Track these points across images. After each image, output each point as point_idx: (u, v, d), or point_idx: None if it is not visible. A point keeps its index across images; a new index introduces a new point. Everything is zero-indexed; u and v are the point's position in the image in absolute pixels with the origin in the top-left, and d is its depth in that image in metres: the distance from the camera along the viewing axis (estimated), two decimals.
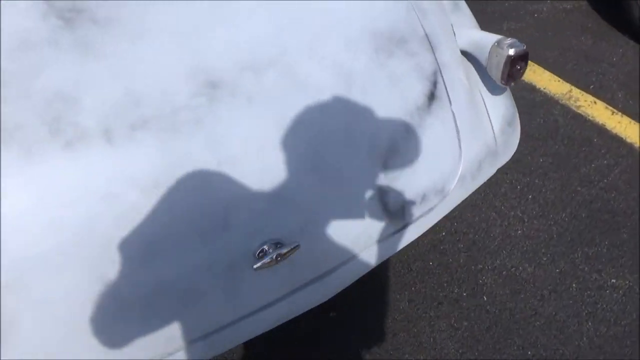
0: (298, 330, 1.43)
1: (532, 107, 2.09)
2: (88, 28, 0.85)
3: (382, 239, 1.08)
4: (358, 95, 1.00)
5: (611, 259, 1.61)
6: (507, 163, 1.29)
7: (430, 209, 1.14)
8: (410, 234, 1.14)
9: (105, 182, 0.79)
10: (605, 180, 1.81)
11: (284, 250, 0.89)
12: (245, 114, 0.90)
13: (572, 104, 2.10)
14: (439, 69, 1.11)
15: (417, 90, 1.07)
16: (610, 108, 2.06)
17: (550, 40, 2.43)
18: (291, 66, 0.95)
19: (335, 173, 0.97)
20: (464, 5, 1.36)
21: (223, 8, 0.95)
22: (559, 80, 2.21)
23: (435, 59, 1.11)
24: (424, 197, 1.10)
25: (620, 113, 2.04)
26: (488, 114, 1.24)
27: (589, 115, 2.04)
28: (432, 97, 1.09)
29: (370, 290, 1.54)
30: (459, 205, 1.20)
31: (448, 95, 1.12)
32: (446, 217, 1.23)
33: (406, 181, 1.07)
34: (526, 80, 2.22)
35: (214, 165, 0.86)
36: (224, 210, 0.87)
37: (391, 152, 1.04)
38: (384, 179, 1.03)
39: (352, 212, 1.01)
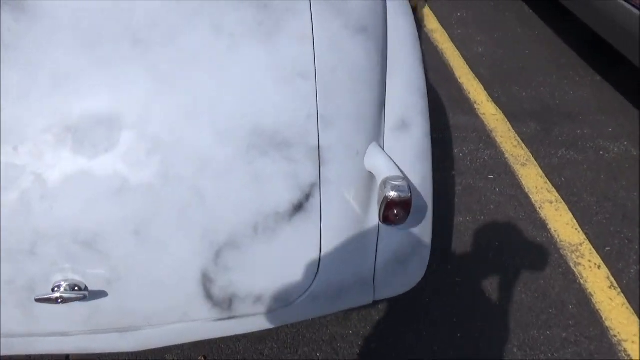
0: None
1: (530, 244, 1.92)
2: None
3: (202, 320, 1.10)
4: (206, 182, 1.03)
5: None
6: None
7: (269, 312, 1.13)
8: (239, 327, 1.15)
9: None
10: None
11: (67, 295, 0.96)
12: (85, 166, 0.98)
13: (572, 257, 1.88)
14: (320, 183, 1.10)
15: (283, 196, 1.08)
16: (612, 280, 1.82)
17: (596, 184, 2.20)
18: (145, 137, 1.01)
19: (158, 244, 1.02)
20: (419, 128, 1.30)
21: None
22: (576, 229, 2.00)
23: (319, 173, 1.10)
24: (259, 298, 1.11)
25: (619, 290, 1.80)
26: (377, 244, 1.19)
27: (581, 277, 1.82)
28: (299, 208, 1.09)
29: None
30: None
31: (320, 212, 1.11)
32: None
33: (240, 277, 1.08)
34: (542, 215, 2.03)
35: (37, 197, 0.96)
36: (33, 235, 0.96)
37: (229, 245, 1.06)
38: (212, 266, 1.06)
39: (168, 284, 1.05)
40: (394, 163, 1.14)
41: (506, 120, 2.57)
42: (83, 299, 0.99)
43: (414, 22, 1.52)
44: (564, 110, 2.67)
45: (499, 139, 2.44)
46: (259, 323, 1.16)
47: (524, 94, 2.79)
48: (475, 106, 2.66)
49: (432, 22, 3.49)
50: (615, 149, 2.41)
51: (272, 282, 1.11)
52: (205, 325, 1.12)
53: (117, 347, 1.11)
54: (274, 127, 1.08)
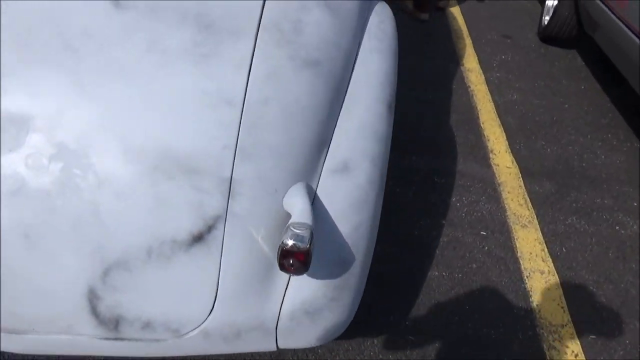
0: None
1: (504, 315, 1.75)
2: None
3: (88, 336, 1.07)
4: (105, 197, 1.00)
5: None
6: None
7: (158, 340, 1.09)
8: (126, 349, 1.11)
9: None
10: None
11: None
12: None
13: (549, 339, 1.70)
14: (226, 217, 1.05)
15: (183, 224, 1.03)
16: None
17: (600, 262, 2.00)
18: (51, 142, 1.00)
19: (47, 251, 1.00)
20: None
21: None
22: (563, 307, 1.81)
23: (227, 206, 1.05)
24: (147, 325, 1.07)
25: None
26: (285, 290, 1.12)
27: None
28: (199, 239, 1.04)
29: None
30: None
31: (222, 247, 1.05)
32: None
33: (129, 299, 1.05)
34: (528, 285, 1.87)
35: None
36: None
37: (120, 265, 1.03)
38: (100, 283, 1.03)
39: (54, 293, 1.03)
40: (310, 208, 1.06)
41: (520, 175, 2.40)
42: None
43: (394, 60, 1.44)
44: (588, 175, 2.45)
45: (505, 194, 2.27)
46: (147, 349, 1.11)
47: (549, 150, 2.59)
48: (491, 155, 2.51)
49: (471, 61, 3.35)
50: (635, 227, 2.18)
51: (163, 310, 1.06)
52: (91, 342, 1.09)
53: (5, 347, 1.10)
54: (186, 153, 1.04)
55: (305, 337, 1.16)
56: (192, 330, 1.09)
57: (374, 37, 1.41)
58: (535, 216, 2.18)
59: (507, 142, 2.62)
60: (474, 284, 1.86)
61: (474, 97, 2.97)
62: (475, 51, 3.50)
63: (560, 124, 2.81)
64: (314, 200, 1.14)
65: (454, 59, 3.35)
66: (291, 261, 0.99)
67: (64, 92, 1.03)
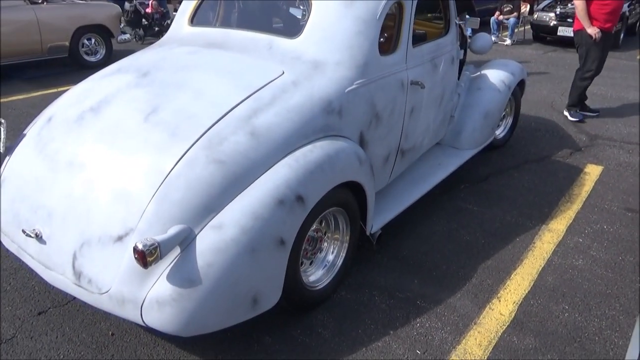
0: None
1: None
2: None
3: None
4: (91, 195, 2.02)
5: None
6: None
7: (89, 292, 1.98)
8: (74, 290, 2.02)
9: None
10: None
11: None
12: None
13: None
14: (136, 229, 1.92)
15: (114, 229, 1.95)
16: None
17: None
18: None
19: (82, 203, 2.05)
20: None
21: None
22: None
23: (137, 224, 1.92)
24: (89, 281, 1.97)
25: None
26: (154, 284, 1.88)
27: None
28: (120, 239, 1.94)
29: None
30: None
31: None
32: None
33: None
34: None
35: None
36: None
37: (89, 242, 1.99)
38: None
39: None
40: (172, 237, 1.83)
41: (506, 324, 2.44)
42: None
43: (304, 173, 2.10)
44: (587, 348, 2.30)
45: (472, 333, 2.38)
46: (81, 294, 1.99)
47: (566, 314, 2.51)
48: (494, 300, 2.60)
49: (559, 223, 3.36)
50: None
51: (99, 277, 1.96)
52: (64, 281, 2.04)
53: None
54: (129, 187, 1.98)
55: (160, 320, 1.85)
56: (106, 292, 1.93)
57: (294, 157, 2.12)
58: None
59: (524, 296, 2.65)
60: None
61: (529, 251, 3.03)
62: (576, 215, 3.47)
63: (607, 296, 2.64)
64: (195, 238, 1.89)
65: (540, 217, 3.42)
66: (136, 256, 1.77)
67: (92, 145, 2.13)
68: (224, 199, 1.99)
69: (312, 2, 2.59)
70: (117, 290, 1.91)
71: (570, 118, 5.40)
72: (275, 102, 2.25)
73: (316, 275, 2.48)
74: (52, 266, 2.08)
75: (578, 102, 5.41)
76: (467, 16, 3.96)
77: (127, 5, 9.39)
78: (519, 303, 2.59)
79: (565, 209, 3.55)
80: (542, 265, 2.90)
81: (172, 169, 2.00)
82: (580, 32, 5.08)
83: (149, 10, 9.69)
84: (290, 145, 2.18)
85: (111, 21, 7.56)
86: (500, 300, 2.61)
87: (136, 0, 9.49)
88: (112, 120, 2.23)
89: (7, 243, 2.28)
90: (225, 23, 3.07)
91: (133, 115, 2.21)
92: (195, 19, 3.03)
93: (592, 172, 4.17)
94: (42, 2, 6.80)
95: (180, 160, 2.01)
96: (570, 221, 3.39)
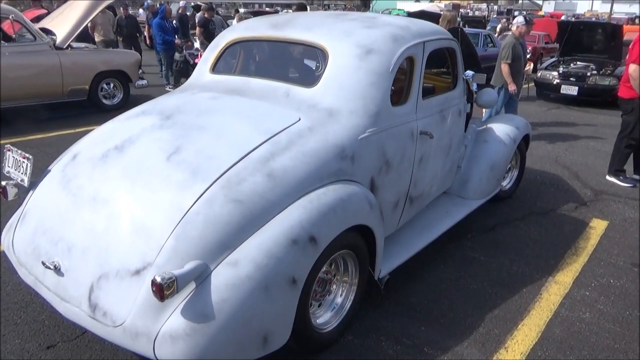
0: None
1: None
2: None
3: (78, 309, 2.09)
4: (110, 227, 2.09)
5: None
6: None
7: (103, 324, 2.02)
8: (87, 322, 2.06)
9: None
10: None
11: None
12: None
13: None
14: (153, 264, 1.98)
15: (133, 263, 2.01)
16: None
17: None
18: None
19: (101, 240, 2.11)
20: None
21: None
22: None
23: (155, 259, 1.98)
24: (104, 314, 2.02)
25: None
26: (168, 318, 1.92)
27: None
28: (137, 273, 2.00)
29: None
30: None
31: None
32: None
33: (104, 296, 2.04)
34: None
35: None
36: None
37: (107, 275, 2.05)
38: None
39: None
40: (190, 271, 1.89)
41: None
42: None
43: (318, 214, 2.17)
44: None
45: None
46: (94, 326, 2.02)
47: None
48: (501, 350, 2.60)
49: (565, 275, 3.38)
50: None
51: (114, 309, 2.00)
52: (79, 313, 2.07)
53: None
54: (150, 223, 2.05)
55: (172, 355, 1.88)
56: (120, 325, 1.96)
57: (308, 198, 2.20)
58: None
59: (531, 347, 2.64)
60: None
61: (536, 302, 3.04)
62: (582, 269, 3.49)
63: (615, 350, 2.63)
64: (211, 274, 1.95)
65: (547, 269, 3.44)
66: (154, 289, 1.82)
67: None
68: (240, 237, 2.05)
69: (329, 54, 2.75)
70: (132, 323, 1.94)
71: (621, 184, 5.24)
72: (291, 147, 2.35)
73: (324, 318, 2.51)
74: (68, 298, 2.12)
75: (622, 167, 5.30)
76: (473, 72, 4.13)
77: (177, 55, 9.73)
78: (526, 354, 2.59)
79: (571, 262, 3.58)
80: (550, 317, 2.90)
81: (191, 207, 2.07)
82: (633, 100, 4.92)
83: (197, 60, 10.03)
84: (304, 188, 2.26)
85: (130, 67, 7.88)
86: (507, 351, 2.60)
87: (186, 51, 9.84)
88: (136, 159, 2.33)
89: (24, 275, 2.33)
90: (245, 72, 3.23)
91: (156, 155, 2.31)
92: (216, 68, 3.21)
93: (598, 226, 4.22)
94: (67, 48, 7.10)
95: (200, 199, 2.09)
96: (577, 274, 3.41)
